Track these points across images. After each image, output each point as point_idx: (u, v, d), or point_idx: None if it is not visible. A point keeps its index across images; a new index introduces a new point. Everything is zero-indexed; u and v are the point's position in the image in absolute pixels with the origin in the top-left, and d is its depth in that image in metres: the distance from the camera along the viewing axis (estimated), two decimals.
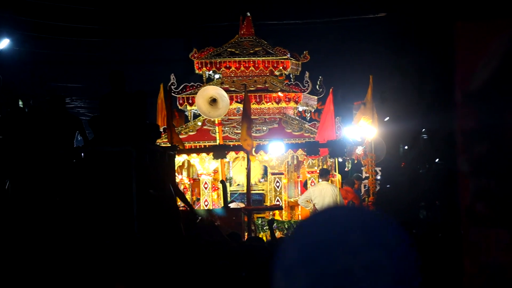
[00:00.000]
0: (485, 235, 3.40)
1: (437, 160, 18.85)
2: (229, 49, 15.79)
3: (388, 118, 19.37)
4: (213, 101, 14.40)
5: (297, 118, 15.81)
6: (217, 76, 16.01)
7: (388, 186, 18.09)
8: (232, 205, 14.60)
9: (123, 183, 9.27)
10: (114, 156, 9.38)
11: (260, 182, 15.82)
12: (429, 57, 18.66)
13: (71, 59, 27.36)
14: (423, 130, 19.65)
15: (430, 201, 17.72)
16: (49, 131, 10.33)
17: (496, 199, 3.39)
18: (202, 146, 15.04)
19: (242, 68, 15.67)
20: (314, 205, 14.33)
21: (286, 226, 14.31)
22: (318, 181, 14.70)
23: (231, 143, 14.75)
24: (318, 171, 15.00)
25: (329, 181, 14.65)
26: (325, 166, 15.20)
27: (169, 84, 15.34)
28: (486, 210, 3.40)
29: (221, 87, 15.04)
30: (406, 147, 20.30)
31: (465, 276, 3.51)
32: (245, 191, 15.15)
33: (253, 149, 13.81)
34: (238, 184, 15.78)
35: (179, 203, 11.15)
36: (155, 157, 10.06)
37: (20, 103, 24.98)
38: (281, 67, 15.65)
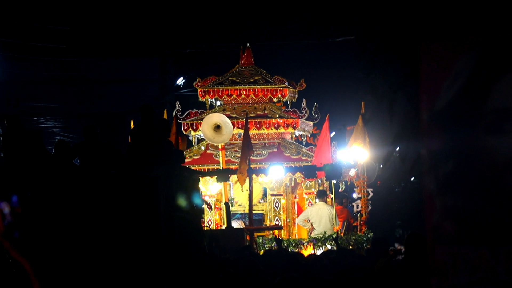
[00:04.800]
0: (452, 254, 3.41)
1: (412, 178, 19.85)
2: (231, 78, 16.66)
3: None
4: (217, 128, 15.21)
5: (295, 142, 16.66)
6: (218, 103, 16.85)
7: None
8: (234, 225, 15.43)
9: (152, 206, 10.11)
10: (143, 181, 10.23)
11: (260, 203, 16.60)
12: (399, 77, 19.56)
13: (45, 79, 27.61)
14: (397, 149, 20.64)
15: (406, 220, 18.67)
16: (88, 158, 11.06)
17: (463, 217, 3.40)
18: (206, 170, 15.84)
19: (243, 95, 16.55)
20: (311, 224, 15.30)
21: (286, 244, 15.22)
22: (315, 202, 15.56)
23: (233, 167, 15.54)
24: (315, 193, 15.83)
25: (326, 201, 15.56)
26: (321, 188, 16.10)
27: (175, 111, 16.13)
28: (453, 229, 3.41)
29: (223, 114, 15.88)
30: (381, 166, 21.27)
31: None
32: (245, 211, 16.05)
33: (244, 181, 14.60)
34: (239, 205, 16.56)
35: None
36: (181, 180, 10.98)
37: None
38: (279, 95, 16.58)
